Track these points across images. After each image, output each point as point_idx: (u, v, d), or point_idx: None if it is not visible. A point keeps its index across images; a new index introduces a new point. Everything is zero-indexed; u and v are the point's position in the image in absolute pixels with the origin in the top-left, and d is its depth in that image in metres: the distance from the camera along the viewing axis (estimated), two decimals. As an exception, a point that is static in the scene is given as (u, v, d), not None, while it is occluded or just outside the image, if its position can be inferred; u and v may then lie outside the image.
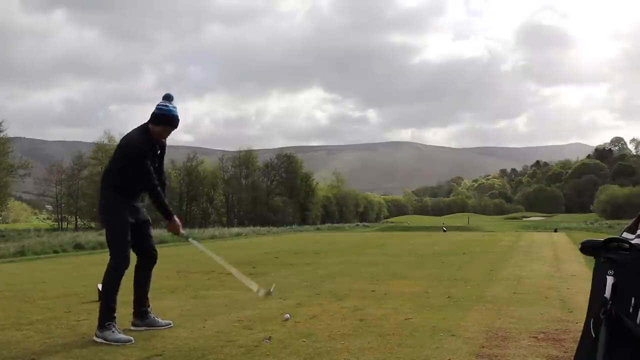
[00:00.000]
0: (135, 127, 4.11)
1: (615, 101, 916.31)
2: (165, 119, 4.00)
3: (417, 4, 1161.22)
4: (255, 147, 72.54)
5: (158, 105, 4.02)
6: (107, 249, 4.04)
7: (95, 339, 3.76)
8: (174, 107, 4.04)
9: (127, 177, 3.96)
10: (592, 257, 1.98)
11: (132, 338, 3.76)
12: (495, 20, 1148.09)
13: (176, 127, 4.09)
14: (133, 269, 4.13)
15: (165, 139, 4.13)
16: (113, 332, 3.75)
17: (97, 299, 5.60)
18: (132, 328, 4.11)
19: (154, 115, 4.01)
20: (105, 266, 3.96)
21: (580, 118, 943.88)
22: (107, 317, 3.79)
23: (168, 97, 4.05)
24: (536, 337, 3.83)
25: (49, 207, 64.52)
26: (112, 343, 3.67)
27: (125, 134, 4.16)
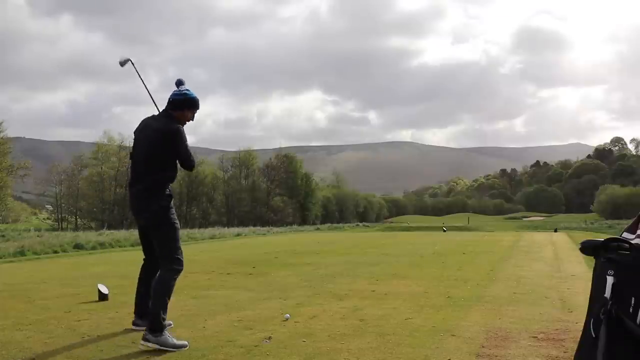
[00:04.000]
0: (149, 117, 4.06)
1: (612, 102, 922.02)
2: (189, 102, 3.97)
3: (416, 8, 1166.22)
4: (255, 147, 72.70)
5: (175, 92, 3.97)
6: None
7: (147, 344, 3.54)
8: (190, 90, 4.02)
9: (175, 170, 3.94)
10: (592, 257, 1.98)
11: (186, 343, 3.63)
12: (493, 24, 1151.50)
13: (199, 108, 4.05)
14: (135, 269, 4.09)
15: (190, 121, 4.07)
16: (168, 337, 3.60)
17: (97, 299, 5.62)
18: (134, 327, 4.10)
19: (177, 102, 3.94)
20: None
21: (579, 119, 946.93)
22: (162, 322, 3.65)
23: (181, 83, 4.01)
24: (536, 337, 3.83)
25: (49, 207, 64.46)
26: (170, 349, 3.52)
27: (145, 124, 4.00)
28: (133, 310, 4.22)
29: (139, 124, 4.09)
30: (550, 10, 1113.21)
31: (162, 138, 3.81)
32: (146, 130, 3.95)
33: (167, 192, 3.90)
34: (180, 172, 4.00)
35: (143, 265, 4.18)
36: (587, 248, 2.01)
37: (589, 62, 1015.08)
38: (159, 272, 3.85)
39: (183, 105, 3.94)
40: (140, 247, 4.29)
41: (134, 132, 4.07)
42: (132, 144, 4.12)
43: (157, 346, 3.52)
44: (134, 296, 4.21)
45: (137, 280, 4.19)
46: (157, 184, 3.86)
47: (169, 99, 3.96)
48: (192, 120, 4.06)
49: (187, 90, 3.98)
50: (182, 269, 3.86)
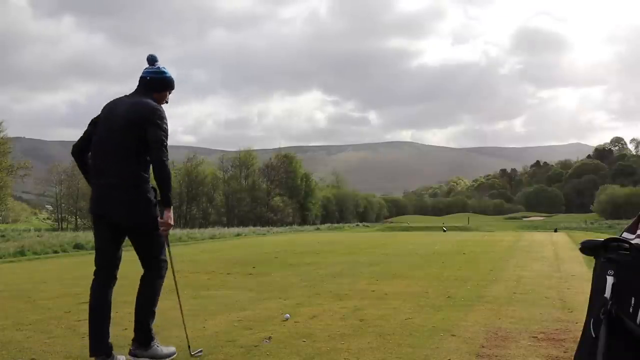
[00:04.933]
0: (124, 96, 3.41)
1: (611, 103, 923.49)
2: (169, 82, 3.47)
3: (416, 9, 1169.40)
4: (255, 148, 72.87)
5: (149, 70, 3.42)
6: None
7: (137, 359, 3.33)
8: (166, 68, 3.50)
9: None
10: (592, 257, 1.98)
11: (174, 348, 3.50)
12: (493, 25, 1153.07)
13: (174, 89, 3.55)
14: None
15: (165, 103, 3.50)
16: (158, 347, 3.43)
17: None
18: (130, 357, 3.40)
19: (156, 81, 3.40)
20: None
21: (578, 119, 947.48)
22: (152, 332, 3.43)
23: (154, 59, 3.46)
24: (536, 337, 3.83)
25: (49, 207, 64.52)
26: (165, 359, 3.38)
27: (118, 102, 3.35)
28: (102, 336, 3.25)
29: (106, 104, 3.41)
30: (550, 11, 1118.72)
31: (145, 115, 3.18)
32: (120, 108, 3.27)
33: (152, 185, 3.28)
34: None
35: (97, 285, 3.32)
36: (587, 248, 2.00)
37: (588, 63, 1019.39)
38: (146, 278, 3.39)
39: (164, 86, 3.43)
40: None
41: (102, 111, 3.37)
42: None
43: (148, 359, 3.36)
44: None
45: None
46: (140, 176, 3.18)
47: (145, 77, 3.39)
48: (167, 102, 3.48)
49: (164, 68, 3.46)
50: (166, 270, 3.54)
